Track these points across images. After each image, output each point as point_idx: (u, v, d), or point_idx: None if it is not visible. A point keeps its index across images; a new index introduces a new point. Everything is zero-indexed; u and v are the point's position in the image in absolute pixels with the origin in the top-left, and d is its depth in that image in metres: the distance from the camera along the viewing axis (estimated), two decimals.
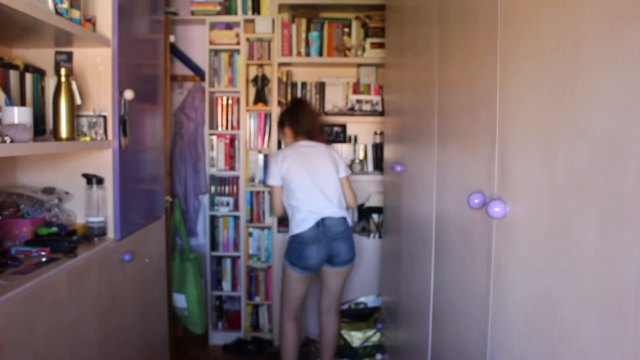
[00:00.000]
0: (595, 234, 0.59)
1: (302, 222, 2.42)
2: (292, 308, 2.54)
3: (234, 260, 3.26)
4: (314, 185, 2.44)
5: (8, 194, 1.72)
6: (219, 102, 3.22)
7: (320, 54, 3.07)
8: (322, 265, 2.49)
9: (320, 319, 2.66)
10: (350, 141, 3.27)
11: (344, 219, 2.47)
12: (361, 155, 3.24)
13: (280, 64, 3.15)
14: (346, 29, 3.08)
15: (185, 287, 3.03)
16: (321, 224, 2.41)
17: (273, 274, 3.16)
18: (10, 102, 1.47)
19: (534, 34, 0.76)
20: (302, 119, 2.59)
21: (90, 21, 1.72)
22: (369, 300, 2.91)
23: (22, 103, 1.56)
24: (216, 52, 3.19)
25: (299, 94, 3.16)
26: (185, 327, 3.25)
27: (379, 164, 3.18)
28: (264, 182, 3.17)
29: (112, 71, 1.80)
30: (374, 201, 3.16)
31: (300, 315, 2.61)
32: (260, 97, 3.15)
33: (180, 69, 3.36)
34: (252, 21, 3.13)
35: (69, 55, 1.80)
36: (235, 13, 3.14)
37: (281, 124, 2.67)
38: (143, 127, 2.13)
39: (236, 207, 3.22)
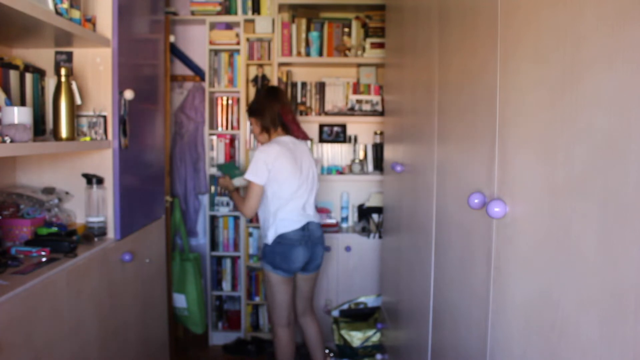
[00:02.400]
0: (595, 234, 0.59)
1: (290, 223, 2.35)
2: (283, 313, 2.49)
3: (234, 260, 3.26)
4: (304, 188, 2.41)
5: (8, 194, 1.72)
6: (219, 102, 3.22)
7: (320, 54, 3.07)
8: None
9: (299, 322, 2.65)
10: (350, 141, 3.27)
11: (319, 223, 2.50)
12: (361, 155, 3.24)
13: (280, 64, 3.14)
14: (346, 29, 3.08)
15: (185, 287, 3.03)
16: (306, 227, 2.39)
17: None
18: (10, 102, 1.47)
19: (534, 34, 0.76)
20: (282, 110, 2.39)
21: (90, 21, 1.72)
22: (369, 300, 2.91)
23: (22, 103, 1.56)
24: (216, 52, 3.19)
25: (299, 94, 3.16)
26: (185, 327, 3.25)
27: (379, 164, 3.18)
28: None
29: (112, 71, 1.80)
30: (374, 201, 3.16)
31: (293, 319, 2.57)
32: None
33: (180, 69, 3.36)
34: (252, 21, 3.13)
35: (69, 55, 1.80)
36: (235, 13, 3.14)
37: (255, 113, 2.41)
38: (143, 127, 2.12)
39: (236, 207, 3.22)
